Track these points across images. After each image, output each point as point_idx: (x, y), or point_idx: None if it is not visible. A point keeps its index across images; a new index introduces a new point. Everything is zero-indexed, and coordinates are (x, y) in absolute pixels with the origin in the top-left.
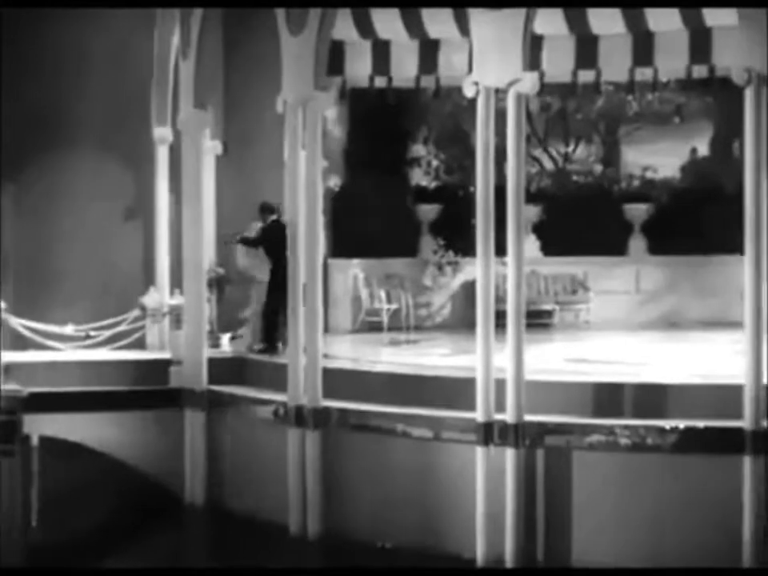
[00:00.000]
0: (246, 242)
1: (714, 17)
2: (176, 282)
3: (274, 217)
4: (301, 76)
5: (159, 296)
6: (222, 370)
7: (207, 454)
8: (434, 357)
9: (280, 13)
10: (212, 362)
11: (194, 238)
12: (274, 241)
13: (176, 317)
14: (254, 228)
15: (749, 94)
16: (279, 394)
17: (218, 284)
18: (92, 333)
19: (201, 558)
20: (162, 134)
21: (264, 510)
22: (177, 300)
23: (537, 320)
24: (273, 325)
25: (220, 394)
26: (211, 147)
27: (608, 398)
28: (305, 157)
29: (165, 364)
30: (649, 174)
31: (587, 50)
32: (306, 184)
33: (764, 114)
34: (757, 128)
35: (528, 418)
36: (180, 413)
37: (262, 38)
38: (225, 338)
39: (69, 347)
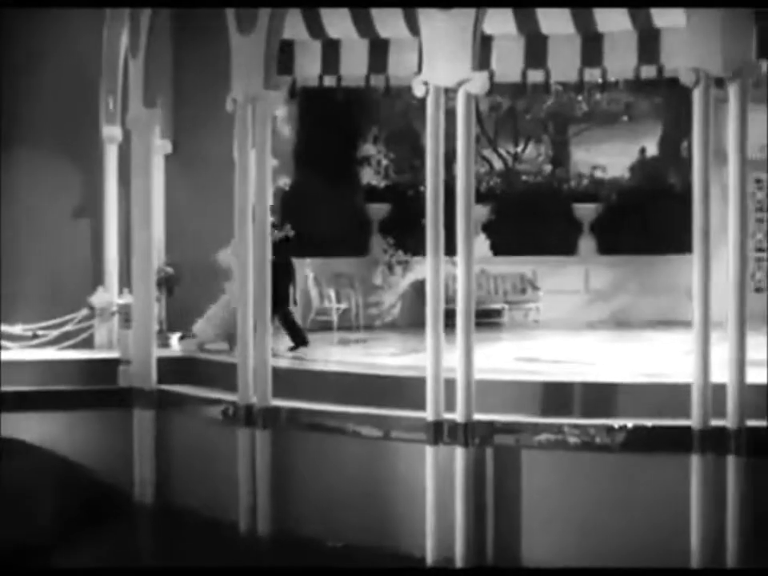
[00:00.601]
0: None
1: (662, 18)
2: (125, 282)
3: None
4: (250, 75)
5: (108, 295)
6: (172, 369)
7: (156, 454)
8: (383, 356)
9: (230, 12)
10: (161, 361)
11: (143, 237)
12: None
13: (125, 316)
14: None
15: (697, 95)
16: (229, 394)
17: (167, 283)
18: (40, 332)
19: (150, 557)
20: (111, 132)
21: (214, 508)
22: (126, 299)
23: (486, 319)
24: (292, 323)
25: (169, 393)
26: (161, 146)
27: (557, 396)
28: (254, 156)
29: (114, 363)
30: (598, 174)
31: (536, 50)
32: (255, 183)
33: (712, 114)
34: (704, 128)
35: (477, 417)
36: (129, 412)
37: (212, 36)
38: (174, 338)
39: (17, 347)
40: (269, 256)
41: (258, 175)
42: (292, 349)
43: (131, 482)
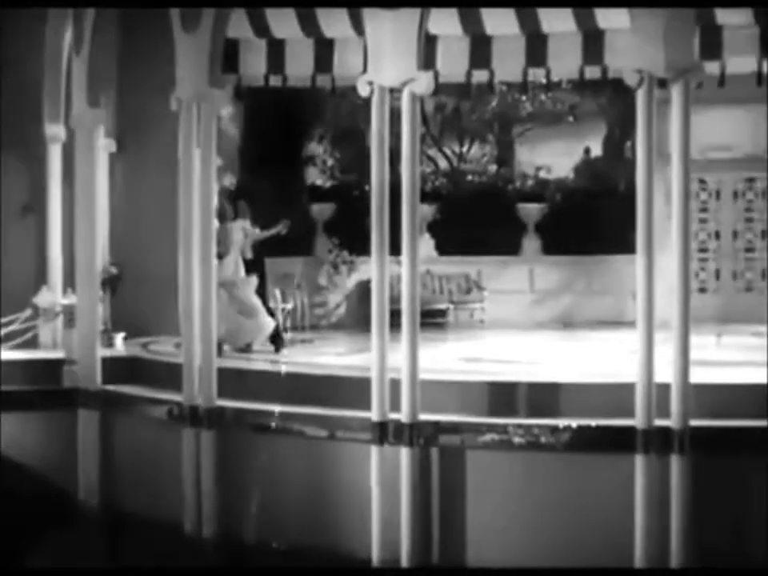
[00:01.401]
0: None
1: (606, 19)
2: (69, 281)
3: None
4: (195, 74)
5: (52, 295)
6: (117, 369)
7: (102, 454)
8: (329, 356)
9: (174, 11)
10: (106, 361)
11: (87, 237)
12: None
13: (69, 316)
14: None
15: (640, 95)
16: (174, 394)
17: (111, 283)
18: None
19: (95, 558)
20: (54, 131)
21: (159, 509)
22: (70, 299)
23: (431, 319)
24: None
25: (114, 393)
26: (105, 145)
27: (502, 397)
28: (199, 155)
29: (58, 364)
30: (542, 174)
31: (481, 50)
32: (200, 182)
33: (655, 115)
34: (648, 129)
35: (422, 417)
36: (74, 413)
37: (157, 34)
38: (119, 338)
39: None
40: (214, 256)
41: (203, 174)
42: (276, 350)
43: (76, 484)
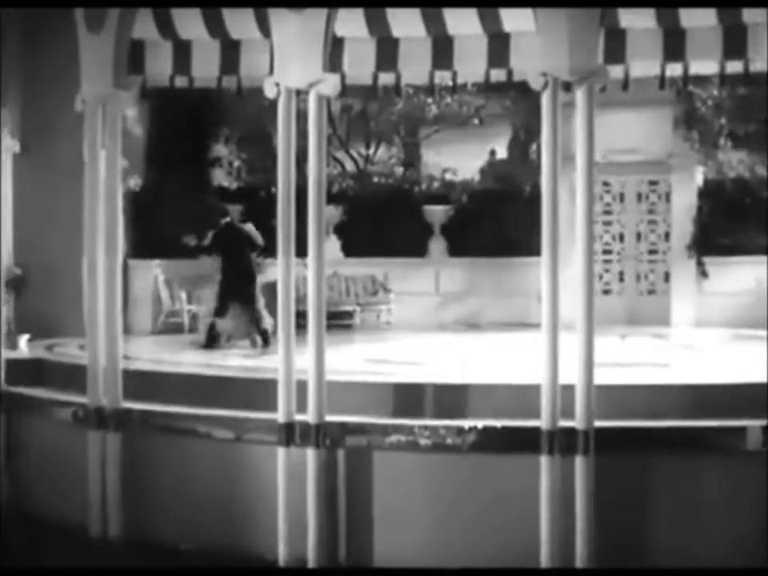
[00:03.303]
0: (201, 249)
1: (512, 22)
2: None
3: (227, 220)
4: (100, 74)
5: None
6: (21, 371)
7: (5, 457)
8: (235, 358)
9: (78, 10)
10: (10, 363)
11: None
12: (224, 243)
13: None
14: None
15: (545, 98)
16: (80, 396)
17: (15, 285)
18: None
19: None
20: None
21: (64, 511)
22: None
23: (338, 321)
24: (260, 321)
25: (18, 395)
26: (9, 146)
27: (408, 398)
28: (104, 156)
29: None
30: (449, 176)
31: (388, 52)
32: (105, 183)
33: (560, 118)
34: (553, 131)
35: (329, 418)
36: None
37: (62, 35)
38: (23, 340)
39: None
40: (119, 257)
41: (108, 175)
42: (263, 346)
43: None
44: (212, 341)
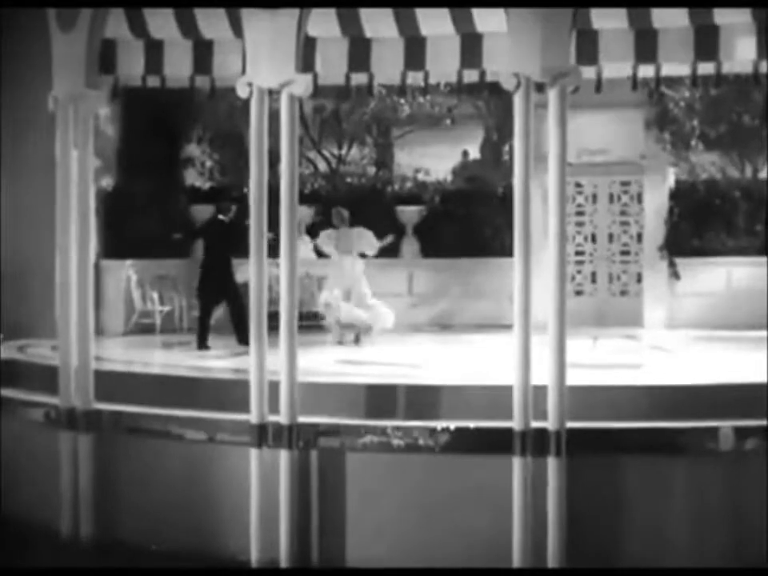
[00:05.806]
0: (192, 233)
1: (484, 22)
2: None
3: (219, 216)
4: (72, 74)
5: None
6: None
7: None
8: (208, 359)
9: (51, 10)
10: None
11: None
12: (209, 235)
13: None
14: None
15: (518, 99)
16: (51, 397)
17: None
18: None
19: None
20: None
21: (35, 512)
22: None
23: (310, 322)
24: (244, 318)
25: None
26: None
27: (381, 399)
28: (76, 155)
29: None
30: (421, 177)
31: (360, 53)
32: (77, 183)
33: (532, 119)
34: (525, 132)
35: (302, 419)
36: None
37: (34, 33)
38: None
39: None
40: (91, 257)
41: (80, 175)
42: (243, 343)
43: None
44: (204, 341)
